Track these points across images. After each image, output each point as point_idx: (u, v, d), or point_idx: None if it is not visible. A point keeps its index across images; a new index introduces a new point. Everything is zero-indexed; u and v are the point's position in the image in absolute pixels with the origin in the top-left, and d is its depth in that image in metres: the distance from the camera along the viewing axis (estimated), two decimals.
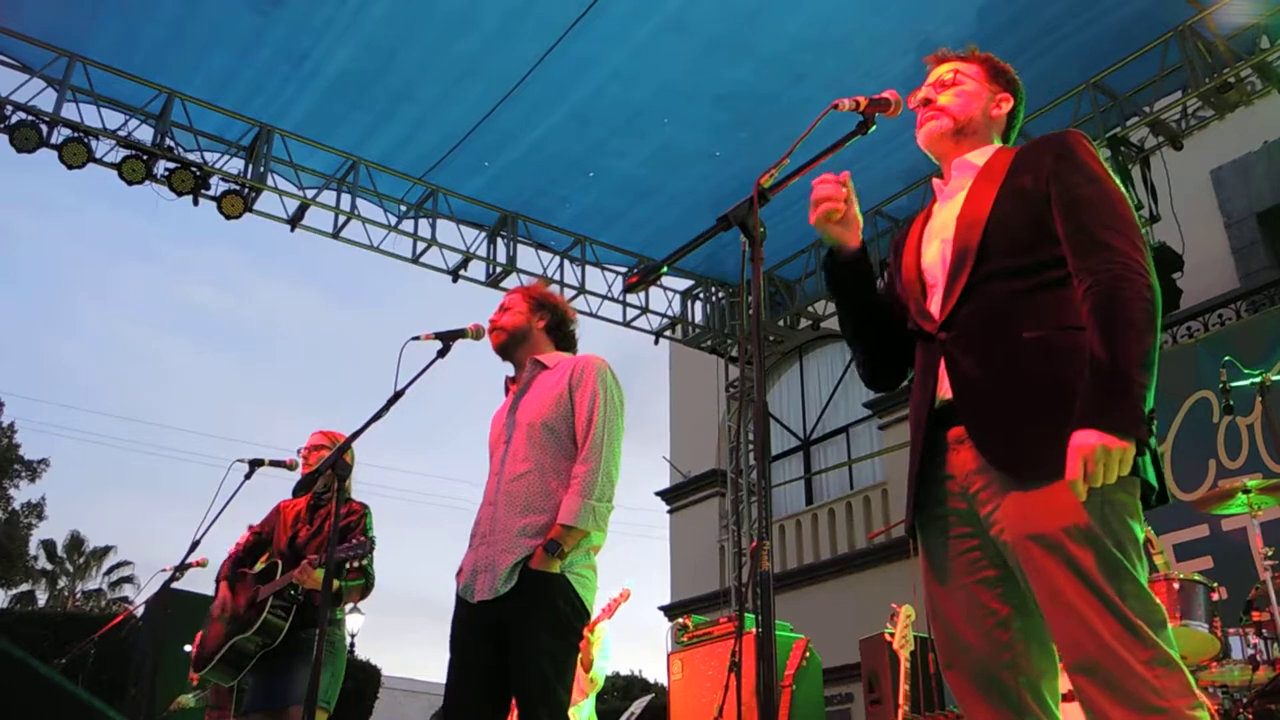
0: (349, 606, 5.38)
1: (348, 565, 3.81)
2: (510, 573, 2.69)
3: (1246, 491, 4.10)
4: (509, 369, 3.14)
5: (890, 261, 2.21)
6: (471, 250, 8.31)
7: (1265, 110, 7.54)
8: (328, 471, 3.02)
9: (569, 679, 2.70)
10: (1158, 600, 1.71)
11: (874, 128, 2.00)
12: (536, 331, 3.08)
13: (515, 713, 2.70)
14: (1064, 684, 1.80)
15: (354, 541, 3.79)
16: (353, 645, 17.80)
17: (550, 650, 2.65)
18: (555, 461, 2.85)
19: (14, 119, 6.60)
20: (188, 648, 4.88)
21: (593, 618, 2.82)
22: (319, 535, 4.05)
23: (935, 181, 2.17)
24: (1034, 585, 1.76)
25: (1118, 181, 1.93)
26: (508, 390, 3.11)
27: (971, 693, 1.87)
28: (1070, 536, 1.71)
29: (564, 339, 3.15)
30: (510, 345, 3.06)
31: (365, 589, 3.99)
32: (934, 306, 1.99)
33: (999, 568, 1.87)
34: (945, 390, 1.92)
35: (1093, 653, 1.66)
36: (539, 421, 2.88)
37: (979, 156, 2.08)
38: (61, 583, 34.10)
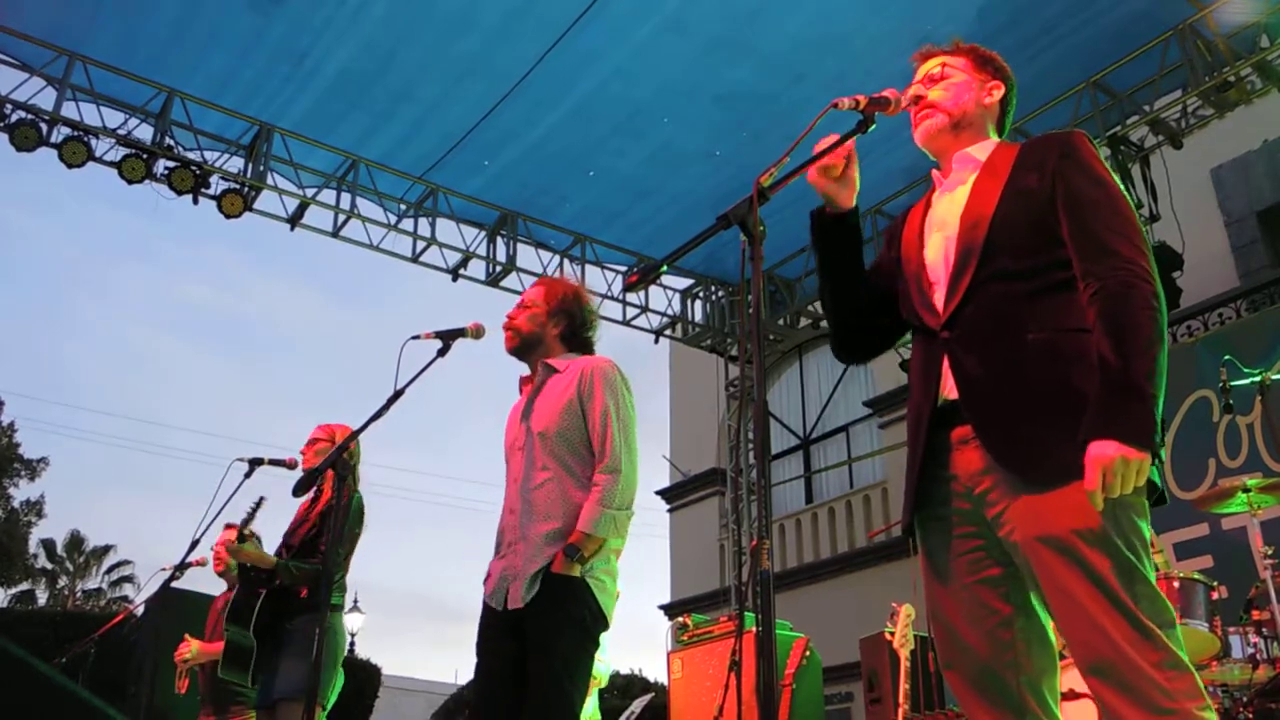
0: (349, 605, 5.36)
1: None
2: (533, 580, 2.72)
3: (1246, 490, 4.11)
4: (521, 367, 3.12)
5: (883, 250, 2.20)
6: (471, 249, 8.31)
7: (1265, 109, 7.53)
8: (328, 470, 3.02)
9: (584, 682, 2.72)
10: (1166, 600, 1.71)
11: (874, 126, 2.00)
12: (550, 338, 3.06)
13: None
14: (1063, 683, 1.79)
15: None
16: (353, 644, 17.78)
17: (565, 653, 2.67)
18: (573, 467, 2.86)
19: (14, 118, 6.60)
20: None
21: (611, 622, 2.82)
22: (315, 529, 4.03)
23: (935, 173, 2.16)
24: (1045, 587, 1.75)
25: (1120, 185, 1.93)
26: (522, 389, 3.10)
27: (972, 692, 1.87)
28: (1083, 539, 1.70)
29: (579, 345, 3.11)
30: (521, 349, 3.06)
31: (314, 576, 3.85)
32: (936, 302, 1.98)
33: (1002, 567, 1.86)
34: (950, 390, 1.91)
35: (1105, 655, 1.66)
36: (551, 432, 2.88)
37: (980, 151, 2.07)
38: (61, 582, 34.06)
